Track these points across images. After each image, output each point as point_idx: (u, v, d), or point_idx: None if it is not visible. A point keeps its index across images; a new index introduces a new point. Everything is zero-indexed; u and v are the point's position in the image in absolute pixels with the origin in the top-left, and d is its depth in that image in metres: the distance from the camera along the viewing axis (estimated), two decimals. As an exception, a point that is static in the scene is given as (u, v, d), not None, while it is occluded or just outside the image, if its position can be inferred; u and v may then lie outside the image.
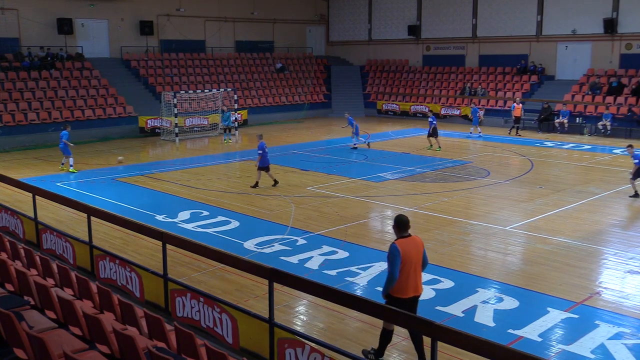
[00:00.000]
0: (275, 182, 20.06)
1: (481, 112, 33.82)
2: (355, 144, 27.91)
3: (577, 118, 33.10)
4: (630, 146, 19.33)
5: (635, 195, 18.43)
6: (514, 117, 32.28)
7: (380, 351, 8.77)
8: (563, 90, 35.66)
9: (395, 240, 8.50)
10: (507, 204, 17.91)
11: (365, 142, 28.33)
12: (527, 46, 38.57)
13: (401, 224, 8.55)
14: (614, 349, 9.13)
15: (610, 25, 34.41)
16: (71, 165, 22.63)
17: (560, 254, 13.48)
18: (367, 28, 46.66)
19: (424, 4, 43.12)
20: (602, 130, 31.50)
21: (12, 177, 16.15)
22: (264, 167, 19.73)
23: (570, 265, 12.78)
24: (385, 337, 8.70)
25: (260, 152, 19.52)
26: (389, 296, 8.49)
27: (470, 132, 32.84)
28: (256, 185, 19.89)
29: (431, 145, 27.62)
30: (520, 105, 32.13)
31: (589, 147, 28.76)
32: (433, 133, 27.25)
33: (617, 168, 23.12)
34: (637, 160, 18.25)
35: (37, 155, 26.60)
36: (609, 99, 33.33)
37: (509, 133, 32.44)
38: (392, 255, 8.32)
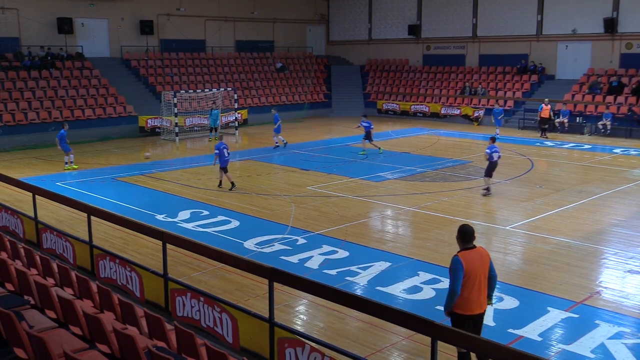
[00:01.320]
0: (221, 183, 19.95)
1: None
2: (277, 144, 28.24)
3: (578, 118, 33.09)
4: (492, 139, 19.56)
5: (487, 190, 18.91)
6: (540, 118, 31.48)
7: None
8: (563, 90, 35.69)
9: (458, 252, 7.92)
10: (507, 203, 17.96)
11: (283, 141, 28.32)
12: (528, 46, 38.59)
13: (465, 235, 7.94)
14: (614, 348, 9.14)
15: (610, 25, 34.44)
16: (71, 162, 23.11)
17: (560, 253, 13.50)
18: (367, 28, 46.71)
19: (424, 4, 43.16)
20: (602, 130, 31.52)
21: (12, 176, 16.19)
22: (223, 167, 19.63)
23: (571, 264, 12.80)
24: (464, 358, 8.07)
25: (216, 152, 19.43)
26: (451, 313, 7.92)
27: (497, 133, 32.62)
28: (220, 184, 20.03)
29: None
30: (549, 106, 31.30)
31: (589, 146, 28.78)
32: (367, 136, 26.35)
33: (618, 168, 23.16)
34: (489, 151, 18.77)
35: (37, 155, 26.64)
36: (609, 98, 33.35)
37: (540, 135, 31.37)
38: (454, 269, 7.72)
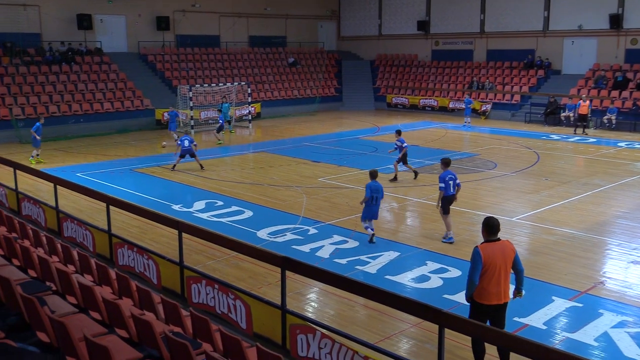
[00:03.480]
0: (173, 167, 21.79)
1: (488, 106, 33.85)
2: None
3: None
4: (398, 132, 19.75)
5: (394, 179, 19.19)
6: (578, 115, 30.75)
7: None
8: (569, 85, 35.67)
9: (481, 243, 8.06)
10: (513, 195, 18.09)
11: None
12: (534, 41, 38.53)
13: (490, 228, 8.03)
14: (617, 337, 9.26)
15: (615, 21, 34.36)
16: (34, 156, 22.79)
17: (565, 244, 13.63)
18: (377, 23, 46.69)
19: (433, 0, 43.10)
20: (607, 124, 31.51)
21: (34, 167, 16.49)
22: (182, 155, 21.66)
23: (575, 255, 12.94)
24: (478, 349, 8.20)
25: (178, 143, 21.79)
26: (472, 300, 8.07)
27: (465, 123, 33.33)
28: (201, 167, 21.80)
29: (220, 141, 28.34)
30: (587, 102, 30.63)
31: (594, 140, 28.79)
32: (219, 129, 28.21)
33: (622, 161, 23.22)
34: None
35: (57, 147, 26.90)
36: (614, 93, 33.33)
37: (575, 132, 30.65)
38: (473, 259, 7.87)
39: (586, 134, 30.29)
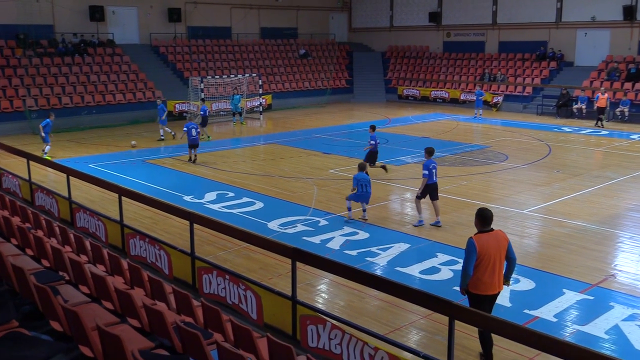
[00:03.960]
0: (192, 160, 21.63)
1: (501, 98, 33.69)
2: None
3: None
4: (372, 127, 19.55)
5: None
6: (597, 108, 30.36)
7: (487, 356, 8.33)
8: (581, 77, 35.44)
9: (475, 234, 8.05)
10: (524, 187, 18.04)
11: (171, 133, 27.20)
12: (547, 33, 38.29)
13: (483, 218, 8.03)
14: (628, 330, 9.25)
15: (629, 12, 34.07)
16: (45, 151, 22.17)
17: (576, 237, 13.61)
18: (388, 15, 46.52)
19: (445, -9, 43.04)
20: (620, 116, 31.27)
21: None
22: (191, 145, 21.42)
23: (586, 248, 12.91)
24: (485, 339, 8.24)
25: (185, 129, 21.54)
26: (468, 293, 8.12)
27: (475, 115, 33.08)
28: (191, 159, 21.61)
29: (208, 137, 26.74)
30: (606, 95, 30.31)
31: (607, 132, 28.66)
32: (203, 123, 26.30)
33: (634, 153, 23.10)
34: (373, 142, 18.47)
35: (70, 138, 27.04)
36: (627, 85, 33.07)
37: (596, 125, 30.14)
38: (468, 251, 7.89)
39: (603, 127, 29.97)
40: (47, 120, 22.56)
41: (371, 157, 19.09)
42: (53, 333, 6.35)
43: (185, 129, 21.44)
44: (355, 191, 14.49)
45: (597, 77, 34.71)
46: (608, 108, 30.71)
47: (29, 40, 32.89)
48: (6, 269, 7.40)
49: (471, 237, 7.96)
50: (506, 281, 8.28)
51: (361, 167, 14.85)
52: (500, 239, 8.01)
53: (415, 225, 14.34)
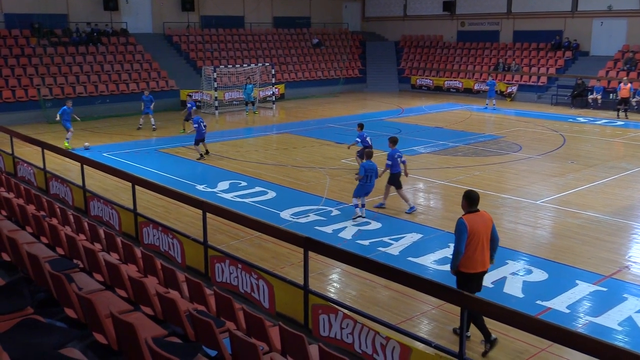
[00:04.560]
0: (207, 152, 21.06)
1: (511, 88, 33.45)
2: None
3: (611, 94, 32.43)
4: (360, 125, 18.64)
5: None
6: (620, 98, 29.86)
7: (486, 335, 8.44)
8: (597, 66, 35.14)
9: (463, 215, 8.38)
10: (538, 178, 17.96)
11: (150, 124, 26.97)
12: (562, 22, 37.95)
13: (470, 199, 8.39)
14: None
15: (647, 1, 33.76)
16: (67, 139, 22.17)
17: (590, 228, 13.55)
18: (402, 4, 46.27)
19: (459, -20, 42.70)
20: (636, 107, 30.88)
21: (62, 147, 16.72)
22: (200, 139, 20.61)
23: (600, 239, 12.85)
24: (476, 319, 8.36)
25: (195, 125, 20.65)
26: (458, 272, 8.40)
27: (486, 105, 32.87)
28: (201, 156, 20.65)
29: (184, 129, 26.13)
30: (628, 85, 29.78)
31: (622, 123, 28.44)
32: (188, 117, 25.34)
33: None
34: (359, 140, 18.06)
35: (84, 127, 27.05)
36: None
37: (617, 116, 29.71)
38: (459, 231, 8.22)
39: (627, 118, 29.56)
40: (63, 107, 22.52)
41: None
42: (67, 320, 6.40)
43: (195, 124, 20.75)
44: (359, 179, 13.99)
45: (613, 67, 34.39)
46: (632, 98, 30.28)
47: (43, 30, 33.09)
48: (21, 256, 7.47)
49: (461, 218, 8.31)
50: (490, 260, 8.59)
51: (368, 155, 14.20)
52: (486, 219, 8.43)
53: (407, 212, 14.50)
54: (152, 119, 26.70)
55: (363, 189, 14.07)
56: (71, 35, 34.03)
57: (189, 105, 25.72)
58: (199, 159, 20.33)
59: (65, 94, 30.40)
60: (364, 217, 14.04)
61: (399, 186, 14.63)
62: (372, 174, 14.00)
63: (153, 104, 26.78)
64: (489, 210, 14.38)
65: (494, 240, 8.49)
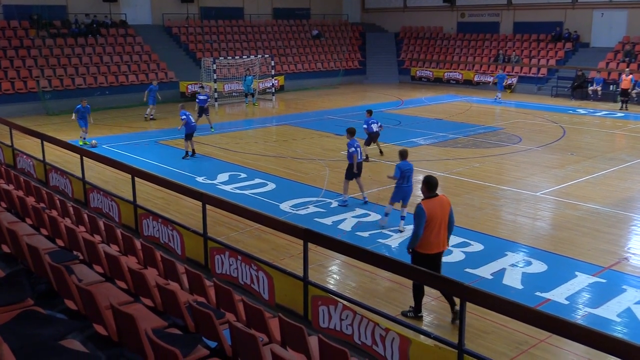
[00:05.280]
0: (193, 152, 19.76)
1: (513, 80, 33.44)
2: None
3: (611, 86, 32.44)
4: (368, 111, 19.23)
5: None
6: (621, 90, 29.91)
7: (417, 307, 9.13)
8: (597, 58, 35.10)
9: (422, 200, 8.82)
10: (537, 170, 17.96)
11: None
12: (563, 13, 37.85)
13: (429, 185, 8.86)
14: None
15: (647, -7, 33.66)
16: (82, 138, 21.72)
17: (589, 219, 13.56)
18: (402, -5, 46.25)
19: (459, -29, 42.58)
20: (636, 99, 30.79)
21: (62, 139, 16.71)
22: (190, 133, 19.51)
23: (599, 230, 12.87)
24: (418, 292, 9.02)
25: (184, 117, 19.27)
26: (414, 252, 8.89)
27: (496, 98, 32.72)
28: (187, 154, 19.57)
29: (211, 126, 24.53)
30: (630, 76, 29.72)
31: (622, 114, 28.43)
32: (205, 111, 24.00)
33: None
34: (365, 126, 18.45)
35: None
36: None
37: (621, 108, 29.68)
38: (418, 215, 8.66)
39: (627, 109, 29.48)
40: (77, 106, 21.84)
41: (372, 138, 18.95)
42: (67, 312, 6.42)
43: (183, 117, 19.31)
44: (395, 179, 12.62)
45: (614, 59, 34.34)
46: (633, 90, 30.17)
47: (42, 21, 33.02)
48: (21, 248, 7.47)
49: (420, 203, 8.75)
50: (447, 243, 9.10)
51: (403, 155, 12.67)
52: (444, 204, 8.87)
53: (340, 205, 14.40)
54: (153, 110, 26.68)
55: (400, 192, 12.80)
56: (70, 26, 33.96)
57: (202, 97, 24.03)
58: (184, 157, 19.41)
59: (64, 86, 30.39)
60: (402, 230, 12.68)
61: (349, 177, 14.36)
62: (410, 175, 12.78)
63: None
64: (488, 202, 14.62)
65: (450, 222, 8.93)
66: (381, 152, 19.74)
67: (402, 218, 12.92)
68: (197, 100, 24.39)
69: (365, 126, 18.54)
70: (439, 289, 7.82)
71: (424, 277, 7.37)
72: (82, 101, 21.93)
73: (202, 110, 23.81)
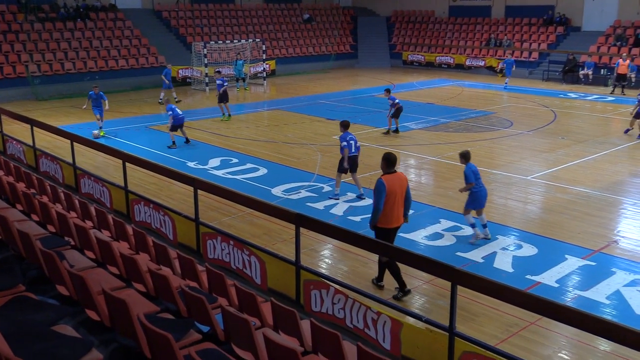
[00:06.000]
0: (187, 139, 19.41)
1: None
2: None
3: (602, 70, 32.52)
4: (387, 90, 20.30)
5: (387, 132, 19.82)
6: (617, 74, 29.39)
7: (400, 282, 9.36)
8: (588, 42, 35.12)
9: (382, 175, 9.16)
10: (528, 154, 18.02)
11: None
12: (555, -3, 37.88)
13: (389, 161, 9.20)
14: (629, 295, 9.34)
15: (638, -24, 33.61)
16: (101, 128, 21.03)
17: (579, 203, 13.64)
18: (394, -22, 46.02)
19: (451, -46, 42.39)
20: (634, 83, 30.83)
21: (52, 124, 16.60)
22: (177, 125, 19.00)
23: (589, 214, 12.95)
24: (392, 268, 9.30)
25: (170, 113, 18.80)
26: (375, 227, 9.22)
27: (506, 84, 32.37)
28: (173, 144, 18.98)
29: (224, 114, 23.58)
30: (627, 61, 29.34)
31: (613, 98, 28.47)
32: (223, 97, 23.19)
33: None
34: (394, 100, 19.62)
35: (74, 104, 26.86)
36: (635, 50, 32.70)
37: (612, 92, 29.56)
38: (378, 190, 9.01)
39: (624, 94, 29.17)
40: (90, 92, 20.98)
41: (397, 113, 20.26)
42: (59, 297, 6.42)
43: (169, 112, 18.84)
44: (470, 187, 11.47)
45: (605, 43, 34.36)
46: (629, 75, 29.85)
47: (30, 5, 32.66)
48: (12, 234, 7.45)
49: (380, 178, 9.09)
50: (405, 218, 9.48)
51: (467, 158, 11.68)
52: (402, 180, 9.30)
53: (330, 197, 14.00)
54: (162, 93, 26.59)
55: (477, 198, 11.58)
56: (58, 10, 33.58)
57: (218, 82, 23.13)
58: (170, 147, 18.83)
59: (53, 71, 30.16)
60: (488, 237, 11.57)
61: (354, 170, 13.99)
62: (479, 177, 11.71)
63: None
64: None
65: (407, 199, 9.32)
66: (397, 130, 20.44)
67: (485, 226, 11.63)
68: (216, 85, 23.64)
69: (396, 100, 19.91)
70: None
71: (413, 260, 7.36)
72: (93, 87, 20.96)
73: (222, 97, 23.00)
